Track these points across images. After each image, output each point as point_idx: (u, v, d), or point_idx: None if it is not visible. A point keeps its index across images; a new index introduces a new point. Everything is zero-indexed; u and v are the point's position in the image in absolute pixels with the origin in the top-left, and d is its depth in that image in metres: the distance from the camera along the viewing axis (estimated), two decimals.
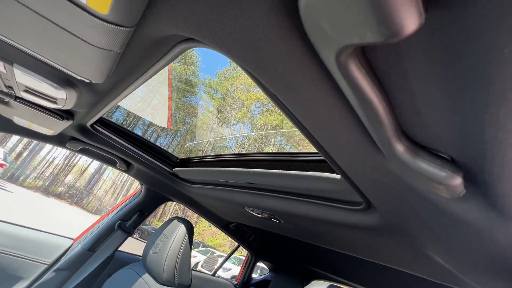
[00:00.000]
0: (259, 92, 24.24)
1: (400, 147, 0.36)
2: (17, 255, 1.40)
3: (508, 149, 0.26)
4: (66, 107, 0.84)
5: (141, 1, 0.34)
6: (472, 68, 0.21)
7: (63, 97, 0.74)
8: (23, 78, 0.66)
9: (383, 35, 0.18)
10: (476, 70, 0.21)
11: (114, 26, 0.36)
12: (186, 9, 0.36)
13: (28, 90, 0.74)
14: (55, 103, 0.80)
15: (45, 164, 35.88)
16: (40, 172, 33.63)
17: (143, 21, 0.40)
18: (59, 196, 29.22)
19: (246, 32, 0.34)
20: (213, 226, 2.15)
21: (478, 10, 0.18)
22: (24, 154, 34.61)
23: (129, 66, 0.57)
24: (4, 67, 0.62)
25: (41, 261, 1.46)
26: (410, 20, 0.17)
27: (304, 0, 0.22)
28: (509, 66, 0.19)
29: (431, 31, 0.21)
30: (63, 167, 36.23)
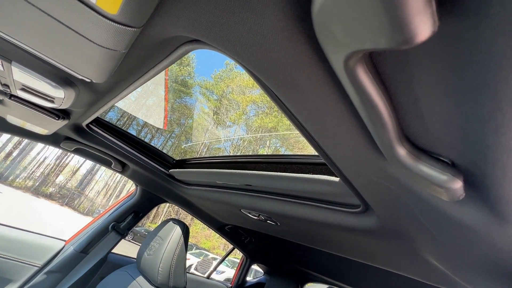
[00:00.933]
0: (254, 94, 24.31)
1: (401, 151, 0.36)
2: (6, 257, 1.37)
3: (510, 154, 0.26)
4: (62, 107, 0.83)
5: (150, 2, 0.34)
6: (479, 75, 0.22)
7: (61, 96, 0.73)
8: (21, 76, 0.65)
9: (396, 41, 0.19)
10: (483, 77, 0.22)
11: (122, 26, 0.36)
12: (195, 11, 0.36)
13: (24, 89, 0.73)
14: (52, 102, 0.79)
15: (36, 164, 35.16)
16: (31, 172, 32.94)
17: (150, 22, 0.40)
18: (49, 196, 28.64)
19: (254, 35, 0.34)
20: (207, 228, 2.14)
21: (490, 20, 0.18)
22: (14, 154, 33.87)
23: (131, 66, 0.57)
24: (2, 65, 0.61)
25: (31, 263, 1.42)
26: (424, 28, 0.18)
27: (317, 4, 0.22)
28: None
29: (441, 38, 0.22)
30: (54, 167, 35.57)
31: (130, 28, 0.37)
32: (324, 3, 0.21)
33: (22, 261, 1.40)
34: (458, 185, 0.34)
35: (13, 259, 1.38)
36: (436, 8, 0.18)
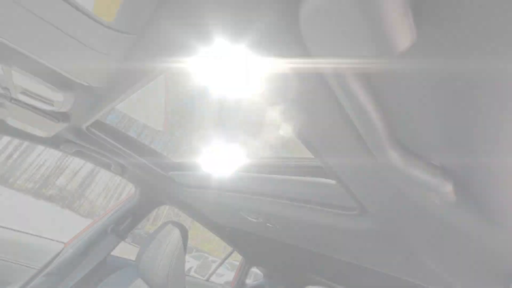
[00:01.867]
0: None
1: (394, 154, 0.37)
2: (5, 259, 1.37)
3: (497, 159, 0.27)
4: (62, 110, 0.84)
5: (146, 9, 0.35)
6: (462, 83, 0.23)
7: (60, 100, 0.73)
8: (21, 80, 0.66)
9: (378, 51, 0.19)
10: (466, 84, 0.23)
11: (119, 33, 0.37)
12: (189, 17, 0.37)
13: (25, 92, 0.73)
14: (51, 105, 0.80)
15: (36, 166, 35.16)
16: (31, 174, 32.93)
17: (147, 28, 0.41)
18: (49, 198, 28.60)
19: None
20: (206, 230, 2.14)
21: (464, 28, 0.19)
22: (15, 156, 33.89)
23: (130, 71, 0.57)
24: (2, 69, 0.62)
25: (30, 266, 1.42)
26: (403, 38, 0.19)
27: (304, 14, 0.23)
28: (502, 80, 0.21)
29: (424, 45, 0.22)
30: (54, 169, 35.57)
31: (126, 35, 0.38)
32: (309, 15, 0.22)
33: (21, 263, 1.40)
34: (448, 188, 0.35)
35: (11, 261, 1.38)
36: (414, 20, 0.19)
